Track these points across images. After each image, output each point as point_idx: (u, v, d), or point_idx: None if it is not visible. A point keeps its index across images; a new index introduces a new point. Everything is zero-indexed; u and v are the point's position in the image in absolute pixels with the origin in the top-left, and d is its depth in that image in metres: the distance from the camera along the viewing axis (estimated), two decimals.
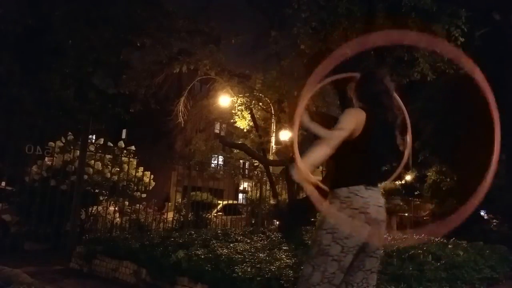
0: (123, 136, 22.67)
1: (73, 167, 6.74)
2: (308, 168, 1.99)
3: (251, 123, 8.59)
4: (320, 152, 2.01)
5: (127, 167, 7.42)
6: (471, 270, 4.98)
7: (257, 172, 10.28)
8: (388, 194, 13.47)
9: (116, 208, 7.24)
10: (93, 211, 7.08)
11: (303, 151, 2.05)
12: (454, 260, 5.07)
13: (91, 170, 6.75)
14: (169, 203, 12.24)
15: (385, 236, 2.22)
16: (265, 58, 9.85)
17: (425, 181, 15.04)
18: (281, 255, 4.28)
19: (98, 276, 4.92)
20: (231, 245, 4.79)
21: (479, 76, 2.10)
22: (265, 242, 5.42)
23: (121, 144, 8.13)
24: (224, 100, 9.32)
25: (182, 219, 8.77)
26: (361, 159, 2.15)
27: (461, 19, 5.73)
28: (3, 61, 11.07)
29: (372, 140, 2.12)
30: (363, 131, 2.09)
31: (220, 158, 15.33)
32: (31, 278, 3.46)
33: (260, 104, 8.40)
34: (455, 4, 5.77)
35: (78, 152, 6.56)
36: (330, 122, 2.12)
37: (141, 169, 7.96)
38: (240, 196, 17.79)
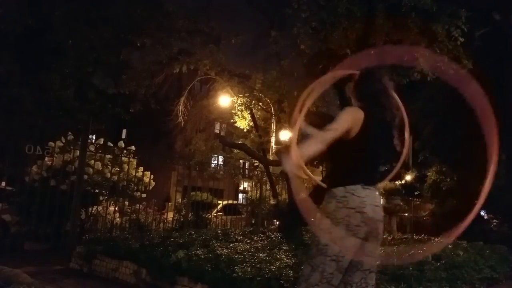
0: (123, 136, 22.65)
1: (73, 167, 6.74)
2: (299, 159, 1.94)
3: (251, 123, 8.59)
4: (312, 147, 1.97)
5: (127, 167, 7.42)
6: (471, 270, 4.99)
7: (257, 172, 10.28)
8: (388, 194, 13.47)
9: (116, 208, 7.24)
10: (93, 211, 7.08)
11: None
12: (454, 260, 5.07)
13: (91, 170, 6.75)
14: (169, 203, 12.24)
15: (383, 236, 2.21)
16: (265, 58, 9.85)
17: (425, 181, 15.03)
18: (281, 255, 4.28)
19: (98, 276, 4.92)
20: (231, 245, 4.79)
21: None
22: (265, 242, 5.42)
23: (121, 144, 8.13)
24: (224, 100, 9.31)
25: (182, 219, 8.77)
26: (359, 159, 2.15)
27: (461, 19, 5.73)
28: (3, 61, 11.07)
29: (370, 139, 2.12)
30: (361, 130, 2.09)
31: (220, 158, 15.33)
32: (31, 278, 3.46)
33: (260, 104, 8.40)
34: (455, 4, 5.77)
35: (78, 152, 6.56)
36: (329, 122, 2.12)
37: (141, 169, 7.96)
38: (240, 196, 17.79)
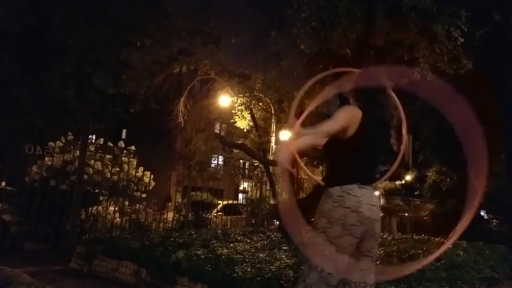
0: (123, 136, 22.64)
1: (73, 167, 6.74)
2: (294, 152, 1.99)
3: (251, 123, 8.59)
4: (307, 138, 2.04)
5: (127, 167, 7.42)
6: (471, 270, 4.99)
7: (257, 172, 10.28)
8: (388, 194, 13.48)
9: (116, 208, 7.24)
10: (93, 211, 7.08)
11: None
12: (454, 260, 5.06)
13: (91, 170, 6.75)
14: (169, 203, 12.24)
15: (380, 235, 2.22)
16: (265, 58, 9.86)
17: (425, 181, 15.03)
18: (281, 255, 4.28)
19: (98, 276, 4.92)
20: (231, 245, 4.79)
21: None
22: (265, 242, 5.42)
23: (121, 144, 8.13)
24: (224, 100, 9.30)
25: (182, 219, 8.77)
26: (356, 158, 2.15)
27: (461, 19, 5.72)
28: (3, 61, 11.06)
29: (368, 139, 2.13)
30: (359, 130, 2.09)
31: (220, 158, 15.32)
32: (31, 278, 3.46)
33: (260, 104, 8.40)
34: (455, 4, 5.76)
35: (78, 152, 6.57)
36: None
37: (141, 169, 7.96)
38: (240, 196, 17.79)
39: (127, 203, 7.72)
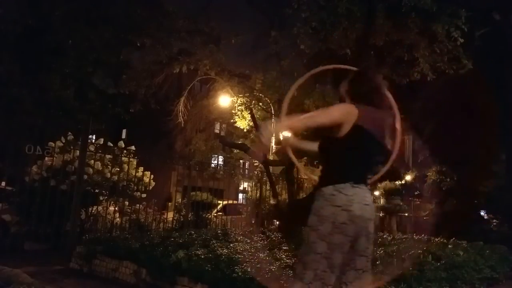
0: (123, 136, 22.65)
1: (73, 167, 6.74)
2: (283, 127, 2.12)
3: (251, 123, 8.59)
4: (296, 121, 2.13)
5: (127, 167, 7.42)
6: (471, 270, 4.98)
7: (257, 172, 10.28)
8: (388, 194, 13.46)
9: (116, 208, 7.24)
10: (93, 211, 7.08)
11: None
12: (454, 260, 5.06)
13: (91, 170, 6.75)
14: (169, 203, 12.25)
15: (374, 235, 2.21)
16: (265, 58, 9.85)
17: (425, 181, 15.02)
18: (281, 255, 4.28)
19: (98, 276, 4.92)
20: (231, 245, 4.78)
21: None
22: (265, 242, 5.41)
23: (121, 144, 8.13)
24: (224, 100, 9.31)
25: (182, 219, 8.77)
26: (350, 157, 2.15)
27: (461, 19, 5.73)
28: (3, 61, 11.07)
29: (362, 137, 2.13)
30: (353, 128, 2.09)
31: (220, 158, 15.33)
32: (31, 278, 3.46)
33: (260, 104, 8.39)
34: (455, 4, 5.77)
35: (78, 152, 6.56)
36: None
37: (141, 169, 7.95)
38: (240, 196, 17.79)
39: (127, 203, 7.72)
